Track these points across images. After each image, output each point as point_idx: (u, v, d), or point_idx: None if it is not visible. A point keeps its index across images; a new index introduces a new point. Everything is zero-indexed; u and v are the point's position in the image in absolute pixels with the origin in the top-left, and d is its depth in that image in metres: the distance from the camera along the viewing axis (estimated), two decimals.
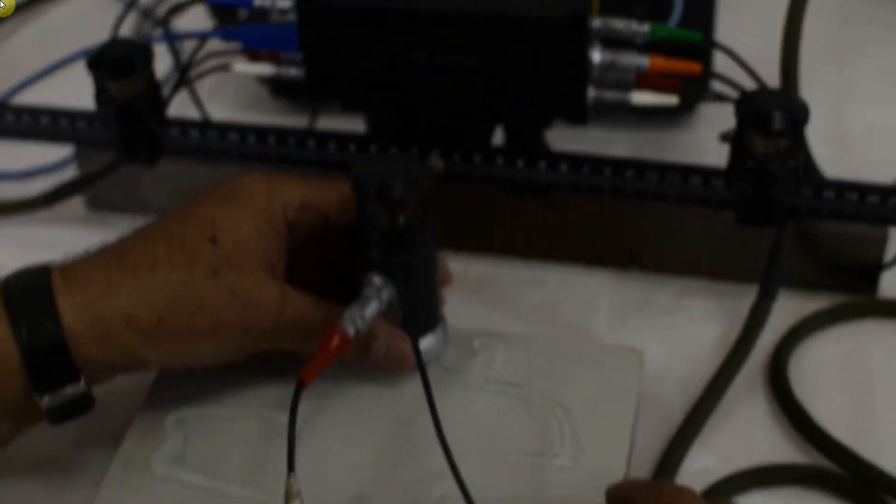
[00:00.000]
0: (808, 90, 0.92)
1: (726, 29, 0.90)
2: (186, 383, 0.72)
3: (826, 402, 0.74)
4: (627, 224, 0.82)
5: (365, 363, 0.71)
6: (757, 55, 0.76)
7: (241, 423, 0.71)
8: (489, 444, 0.67)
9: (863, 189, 0.73)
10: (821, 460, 0.72)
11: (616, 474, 0.67)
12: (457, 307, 0.77)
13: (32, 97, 1.00)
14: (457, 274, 0.78)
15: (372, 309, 0.67)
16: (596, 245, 0.83)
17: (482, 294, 0.83)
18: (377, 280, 0.68)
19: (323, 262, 0.73)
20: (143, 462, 0.69)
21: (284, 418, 0.69)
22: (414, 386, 0.70)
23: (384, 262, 0.68)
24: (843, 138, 0.93)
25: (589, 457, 0.68)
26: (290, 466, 0.61)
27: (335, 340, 0.65)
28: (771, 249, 0.75)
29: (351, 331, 0.66)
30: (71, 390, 0.66)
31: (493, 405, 0.70)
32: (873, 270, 0.80)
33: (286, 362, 0.71)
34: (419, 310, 0.71)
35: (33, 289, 0.66)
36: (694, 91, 0.84)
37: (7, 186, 0.93)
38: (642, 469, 0.71)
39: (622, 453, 0.68)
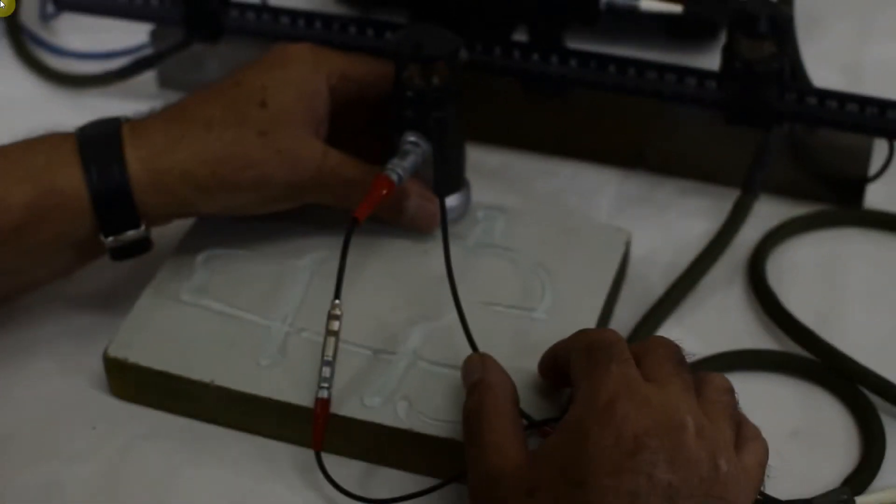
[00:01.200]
0: (829, 23, 1.00)
1: None
2: (220, 229, 0.81)
3: (799, 297, 0.81)
4: (634, 124, 0.89)
5: (397, 220, 0.80)
6: None
7: (263, 265, 0.79)
8: (477, 296, 0.75)
9: (842, 97, 0.80)
10: (789, 346, 0.78)
11: None
12: (473, 190, 0.85)
13: None
14: (476, 161, 0.87)
15: (410, 161, 0.77)
16: (606, 143, 0.91)
17: (498, 180, 0.91)
18: (413, 136, 0.78)
19: (359, 131, 0.82)
20: (172, 290, 0.78)
21: (301, 263, 0.79)
22: (432, 244, 0.80)
23: (419, 121, 0.78)
24: (858, 71, 0.98)
25: (563, 313, 0.75)
26: (337, 294, 0.71)
27: (382, 183, 0.74)
28: (756, 149, 0.82)
29: (394, 178, 0.75)
30: (132, 234, 0.75)
31: (486, 265, 0.79)
32: (859, 183, 0.86)
33: (306, 221, 0.81)
34: (449, 168, 0.80)
35: (105, 138, 0.75)
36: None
37: (90, 64, 1.03)
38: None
39: (594, 313, 0.76)
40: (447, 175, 0.80)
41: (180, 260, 0.80)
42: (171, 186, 0.75)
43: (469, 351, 0.71)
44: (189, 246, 0.81)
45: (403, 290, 0.77)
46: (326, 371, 0.70)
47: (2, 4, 0.92)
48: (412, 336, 0.74)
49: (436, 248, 0.78)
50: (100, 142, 0.75)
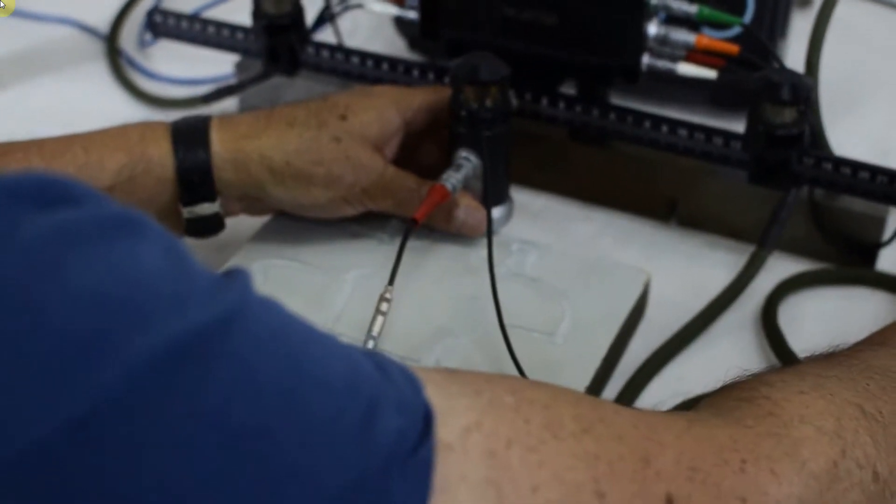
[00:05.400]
0: (865, 100, 1.06)
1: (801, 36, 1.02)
2: (279, 241, 0.89)
3: (806, 343, 0.85)
4: (669, 180, 0.96)
5: (448, 226, 0.89)
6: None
7: (312, 276, 0.87)
8: (505, 317, 0.81)
9: (856, 165, 0.86)
10: None
11: (595, 358, 0.81)
12: (515, 229, 0.93)
13: (214, 15, 1.16)
14: (521, 204, 0.95)
15: (463, 173, 0.86)
16: (642, 196, 0.97)
17: (539, 221, 0.98)
18: (466, 152, 0.87)
19: (426, 156, 0.92)
20: None
21: (346, 277, 0.87)
22: (469, 270, 0.87)
23: (472, 138, 0.87)
24: (888, 151, 1.04)
25: (577, 340, 0.82)
26: (391, 281, 0.80)
27: (439, 190, 0.84)
28: (775, 207, 0.88)
29: (449, 187, 0.85)
30: (207, 207, 0.85)
31: (515, 291, 0.85)
32: (873, 247, 0.92)
33: (356, 242, 0.90)
34: (495, 181, 0.89)
35: (195, 125, 0.85)
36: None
37: (178, 88, 1.13)
38: (631, 366, 0.85)
39: (607, 341, 0.82)
40: (494, 188, 0.89)
41: (239, 264, 0.87)
42: (248, 166, 0.84)
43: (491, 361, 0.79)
44: (249, 253, 0.89)
45: (436, 307, 0.85)
46: (371, 344, 0.78)
47: (2, 5, 0.99)
48: (436, 347, 0.81)
49: (470, 273, 0.86)
50: (189, 128, 0.85)
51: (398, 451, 0.49)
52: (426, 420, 0.51)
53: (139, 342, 0.43)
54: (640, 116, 0.91)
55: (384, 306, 0.79)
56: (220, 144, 0.84)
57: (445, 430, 0.51)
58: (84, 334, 0.43)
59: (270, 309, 0.51)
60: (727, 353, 0.87)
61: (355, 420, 0.48)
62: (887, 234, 0.92)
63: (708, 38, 0.89)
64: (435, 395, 0.52)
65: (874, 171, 0.86)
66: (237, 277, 0.50)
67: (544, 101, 0.94)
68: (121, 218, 0.47)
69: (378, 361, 0.53)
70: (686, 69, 0.90)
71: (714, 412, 0.62)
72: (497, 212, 0.90)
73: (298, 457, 0.46)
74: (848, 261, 0.93)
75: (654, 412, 0.62)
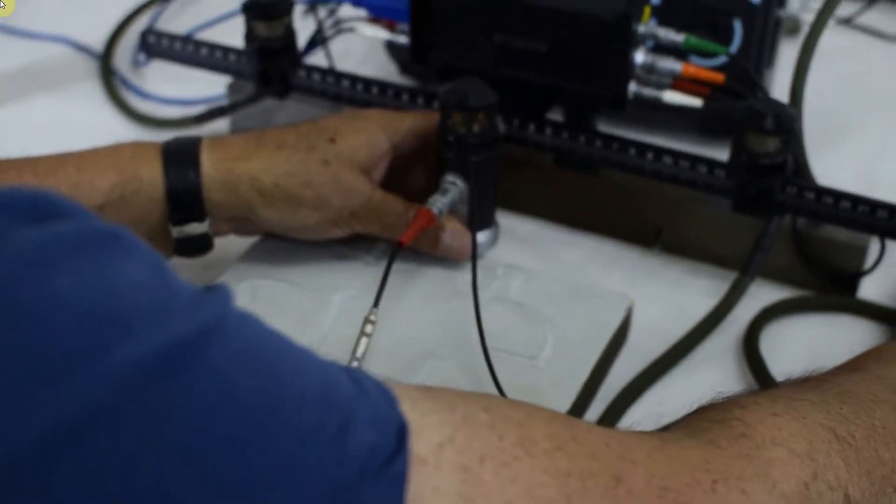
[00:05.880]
0: (856, 131, 1.07)
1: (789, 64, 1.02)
2: (267, 261, 0.90)
3: (787, 368, 0.86)
4: (655, 207, 0.97)
5: (433, 249, 0.90)
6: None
7: (299, 296, 0.88)
8: (488, 340, 0.82)
9: (838, 195, 0.87)
10: None
11: (576, 382, 0.82)
12: (502, 253, 0.94)
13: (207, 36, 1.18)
14: (509, 229, 0.97)
15: (449, 198, 0.87)
16: (628, 222, 0.99)
17: (525, 246, 0.99)
18: (453, 177, 0.88)
19: (414, 180, 0.93)
20: None
21: (333, 299, 0.87)
22: (454, 293, 0.88)
23: (459, 163, 0.88)
24: (873, 181, 1.05)
25: (560, 364, 0.83)
26: (376, 304, 0.81)
27: (425, 214, 0.86)
28: (758, 235, 0.89)
29: (436, 211, 0.86)
30: (196, 227, 0.86)
31: (499, 315, 0.86)
32: (854, 276, 0.93)
33: (343, 263, 0.90)
34: (481, 206, 0.90)
35: (185, 146, 0.86)
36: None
37: (171, 108, 1.14)
38: (613, 391, 0.86)
39: (588, 365, 0.83)
40: (480, 213, 0.90)
41: (227, 283, 0.88)
42: (238, 187, 0.85)
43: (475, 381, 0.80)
44: (237, 273, 0.90)
45: (421, 330, 0.85)
46: (354, 366, 0.79)
47: (2, 5, 1.00)
48: (420, 370, 0.82)
49: (456, 297, 0.87)
50: (180, 149, 0.86)
51: (371, 463, 0.50)
52: (400, 434, 0.52)
53: (122, 352, 0.44)
54: (626, 144, 0.92)
55: (369, 328, 0.80)
56: (210, 165, 0.85)
57: (420, 445, 0.52)
58: (69, 343, 0.44)
59: (249, 323, 0.52)
60: (708, 379, 0.87)
61: (329, 432, 0.49)
62: (868, 263, 0.92)
63: (694, 67, 0.90)
64: (409, 410, 0.53)
65: (856, 200, 0.87)
66: (217, 292, 0.51)
67: (531, 128, 0.94)
68: (106, 233, 0.48)
69: (354, 376, 0.54)
70: (672, 97, 0.90)
71: (687, 433, 0.63)
72: (483, 236, 0.92)
73: (272, 468, 0.47)
74: (829, 289, 0.94)
75: (627, 432, 0.63)
